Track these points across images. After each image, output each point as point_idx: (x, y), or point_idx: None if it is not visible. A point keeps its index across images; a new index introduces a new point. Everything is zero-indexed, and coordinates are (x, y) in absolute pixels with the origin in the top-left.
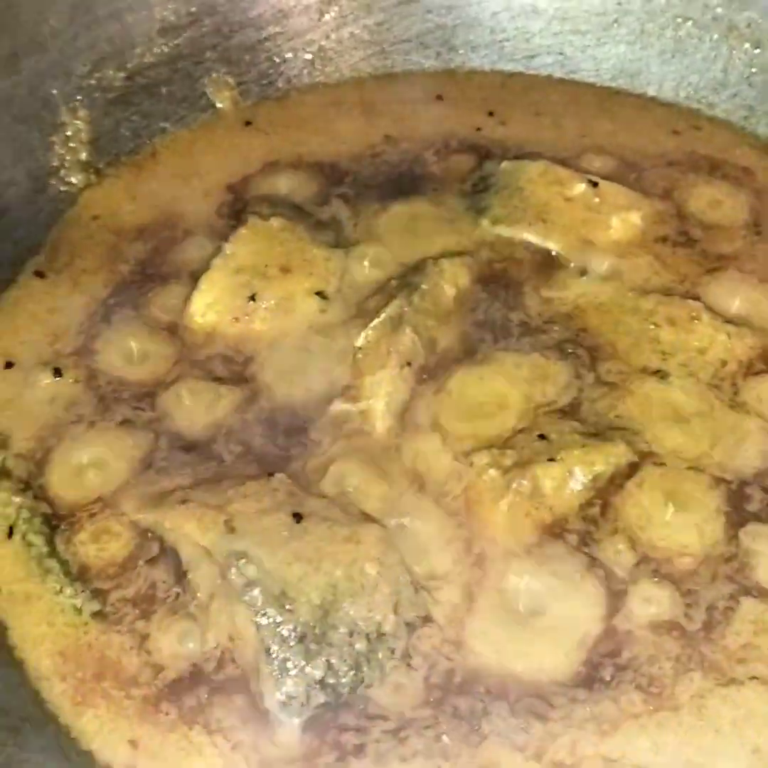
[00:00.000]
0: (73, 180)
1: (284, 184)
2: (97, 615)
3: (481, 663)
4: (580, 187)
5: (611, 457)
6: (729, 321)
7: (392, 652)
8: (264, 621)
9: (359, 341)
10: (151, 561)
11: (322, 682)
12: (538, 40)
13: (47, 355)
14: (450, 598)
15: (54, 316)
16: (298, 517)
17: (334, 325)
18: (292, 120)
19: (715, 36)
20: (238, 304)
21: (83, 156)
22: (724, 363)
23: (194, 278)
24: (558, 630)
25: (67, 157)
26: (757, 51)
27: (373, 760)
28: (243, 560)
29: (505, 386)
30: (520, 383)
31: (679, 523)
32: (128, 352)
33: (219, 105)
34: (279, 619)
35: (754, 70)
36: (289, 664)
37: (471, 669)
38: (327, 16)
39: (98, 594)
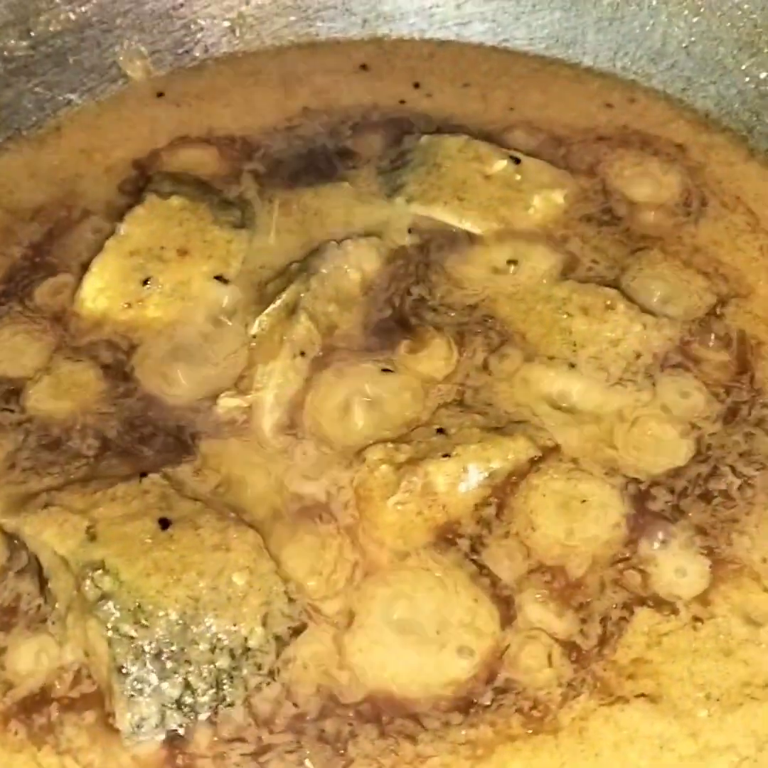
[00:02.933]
0: None
1: (192, 159)
2: None
3: (352, 681)
4: (501, 164)
5: (510, 453)
6: (647, 310)
7: (259, 667)
8: (117, 637)
9: (253, 329)
10: (21, 572)
11: (178, 702)
12: (470, 7)
13: None
14: (326, 610)
15: None
16: (164, 523)
17: (232, 311)
18: (207, 91)
19: (654, 2)
20: (131, 289)
21: None
22: (637, 355)
23: (87, 264)
24: (438, 648)
25: None
26: (696, 19)
27: None
28: (99, 571)
29: (403, 377)
30: (419, 374)
31: (575, 527)
32: (8, 346)
33: (130, 75)
34: (133, 634)
35: (693, 39)
36: (143, 684)
37: (342, 687)
38: None
39: None
